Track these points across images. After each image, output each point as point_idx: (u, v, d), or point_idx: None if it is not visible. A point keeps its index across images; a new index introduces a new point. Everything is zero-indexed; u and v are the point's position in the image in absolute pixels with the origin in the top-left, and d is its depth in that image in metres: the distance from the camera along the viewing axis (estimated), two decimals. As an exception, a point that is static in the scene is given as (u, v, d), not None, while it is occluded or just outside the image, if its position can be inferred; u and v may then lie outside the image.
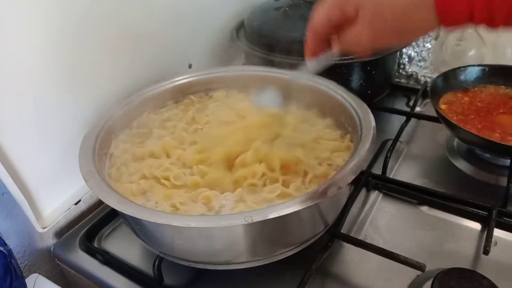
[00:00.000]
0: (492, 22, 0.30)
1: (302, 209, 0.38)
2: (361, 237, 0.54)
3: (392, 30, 0.34)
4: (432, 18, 0.31)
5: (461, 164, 0.65)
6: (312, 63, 0.43)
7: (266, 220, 0.38)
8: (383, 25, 0.34)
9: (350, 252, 0.52)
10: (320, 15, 0.38)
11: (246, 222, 0.37)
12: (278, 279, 0.49)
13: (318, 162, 0.51)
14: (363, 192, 0.61)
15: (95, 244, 0.57)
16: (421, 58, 0.88)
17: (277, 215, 0.38)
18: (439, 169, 0.65)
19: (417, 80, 0.87)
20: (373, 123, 0.49)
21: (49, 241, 0.60)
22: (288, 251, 0.46)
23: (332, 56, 0.41)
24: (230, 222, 0.38)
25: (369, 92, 0.74)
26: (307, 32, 0.40)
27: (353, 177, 0.42)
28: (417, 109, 0.78)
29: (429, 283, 0.45)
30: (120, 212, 0.42)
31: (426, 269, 0.45)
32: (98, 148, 0.51)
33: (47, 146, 0.55)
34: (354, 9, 0.35)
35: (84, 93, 0.58)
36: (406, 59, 0.88)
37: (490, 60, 0.88)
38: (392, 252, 0.47)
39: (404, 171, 0.65)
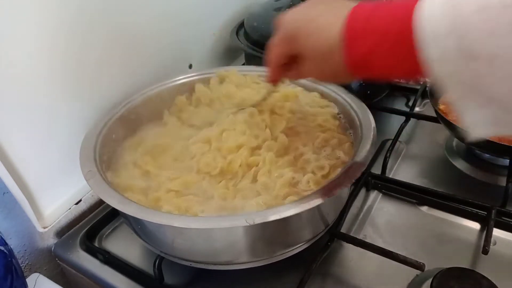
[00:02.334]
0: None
1: (303, 211, 0.38)
2: (360, 236, 0.54)
3: (323, 74, 0.40)
4: (349, 77, 0.37)
5: (460, 164, 0.66)
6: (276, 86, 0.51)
7: (267, 221, 0.38)
8: (316, 70, 0.39)
9: (350, 252, 0.52)
10: (275, 51, 0.43)
11: (248, 224, 0.37)
12: (278, 279, 0.50)
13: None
14: (362, 192, 0.61)
15: (96, 244, 0.57)
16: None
17: (278, 217, 0.38)
18: (438, 169, 0.66)
19: (416, 80, 0.87)
20: (373, 124, 0.49)
21: (50, 240, 0.60)
22: (288, 251, 0.46)
23: (291, 78, 0.51)
24: (231, 223, 0.38)
25: (368, 92, 0.74)
26: (266, 64, 0.45)
27: (354, 180, 0.42)
28: (417, 109, 0.78)
29: (428, 282, 0.45)
30: (121, 212, 0.42)
31: (426, 269, 0.45)
32: (99, 148, 0.51)
33: (47, 146, 0.55)
34: (297, 53, 0.40)
35: (84, 93, 0.58)
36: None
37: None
38: (392, 252, 0.47)
39: (404, 171, 0.65)
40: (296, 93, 0.59)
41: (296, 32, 0.38)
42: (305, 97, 0.59)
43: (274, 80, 0.48)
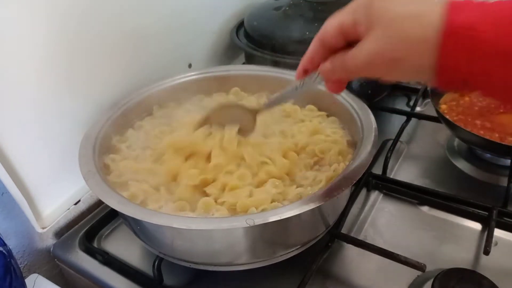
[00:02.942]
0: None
1: (304, 212, 0.38)
2: (361, 237, 0.54)
3: (389, 60, 0.31)
4: (428, 71, 0.30)
5: (462, 164, 0.65)
6: (299, 83, 0.40)
7: (267, 222, 0.37)
8: (384, 51, 0.31)
9: (351, 252, 0.52)
10: (332, 23, 0.35)
11: (248, 225, 0.37)
12: (278, 279, 0.49)
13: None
14: (363, 192, 0.61)
15: (95, 244, 0.57)
16: (421, 58, 0.88)
17: (279, 218, 0.37)
18: (439, 169, 0.65)
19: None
20: (375, 125, 0.49)
21: (49, 241, 0.60)
22: (289, 252, 0.46)
23: (316, 79, 0.38)
24: (231, 224, 0.38)
25: (369, 92, 0.73)
26: (312, 43, 0.36)
27: (355, 180, 0.42)
28: (418, 109, 0.78)
29: (429, 283, 0.45)
30: (120, 212, 0.42)
31: (427, 269, 0.45)
32: (98, 148, 0.50)
33: (47, 146, 0.55)
34: (368, 24, 0.32)
35: (84, 93, 0.57)
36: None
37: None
38: (392, 252, 0.47)
39: (405, 171, 0.65)
40: (320, 129, 0.55)
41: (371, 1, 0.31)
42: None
43: (305, 70, 0.38)
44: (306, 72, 0.38)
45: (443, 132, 0.71)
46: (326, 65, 0.36)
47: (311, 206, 0.38)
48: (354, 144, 0.52)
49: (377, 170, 0.63)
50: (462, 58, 0.28)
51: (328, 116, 0.59)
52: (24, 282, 0.51)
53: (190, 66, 0.76)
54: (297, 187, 0.47)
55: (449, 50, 0.28)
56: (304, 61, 0.38)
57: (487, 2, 0.28)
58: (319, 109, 0.61)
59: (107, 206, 0.43)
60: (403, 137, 0.70)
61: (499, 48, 0.27)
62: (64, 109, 0.55)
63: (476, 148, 0.65)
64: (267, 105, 0.49)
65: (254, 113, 0.50)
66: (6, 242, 0.48)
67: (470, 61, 0.28)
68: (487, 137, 0.57)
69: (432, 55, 0.29)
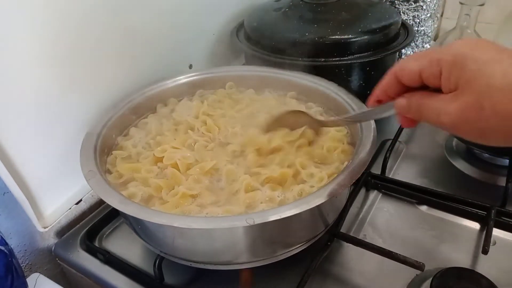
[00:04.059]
0: None
1: (303, 211, 0.38)
2: (360, 236, 0.55)
3: (482, 125, 0.29)
4: None
5: (460, 164, 0.66)
6: (369, 109, 0.38)
7: (267, 222, 0.38)
8: (476, 117, 0.29)
9: (350, 252, 0.52)
10: (412, 66, 0.32)
11: (248, 224, 0.37)
12: (278, 278, 0.50)
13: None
14: (362, 191, 0.62)
15: (96, 244, 0.57)
16: (420, 59, 0.88)
17: (279, 217, 0.38)
18: (438, 169, 0.66)
19: None
20: (373, 125, 0.49)
21: (50, 240, 0.60)
22: (288, 251, 0.46)
23: (391, 110, 0.36)
24: (232, 223, 0.38)
25: (368, 92, 0.73)
26: (386, 75, 0.35)
27: (354, 180, 0.42)
28: (416, 109, 0.78)
29: (428, 282, 0.45)
30: (121, 212, 0.42)
31: (425, 269, 0.45)
32: (100, 148, 0.51)
33: (48, 146, 0.55)
34: (455, 83, 0.29)
35: (85, 92, 0.58)
36: (406, 59, 0.88)
37: (489, 60, 0.89)
38: (391, 252, 0.48)
39: (403, 171, 0.66)
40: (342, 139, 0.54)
41: (464, 56, 0.29)
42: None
43: (378, 100, 0.37)
44: (379, 102, 0.37)
45: (441, 132, 0.72)
46: (402, 102, 0.34)
47: (311, 205, 0.39)
48: (353, 144, 0.53)
49: (376, 170, 0.63)
50: None
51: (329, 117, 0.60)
52: (26, 281, 0.51)
53: (190, 66, 0.76)
54: (298, 184, 0.47)
55: None
56: (377, 91, 0.36)
57: None
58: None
59: (108, 205, 0.43)
60: (402, 137, 0.71)
61: None
62: (65, 109, 0.56)
63: (475, 148, 0.65)
64: (334, 121, 0.49)
65: (320, 124, 0.50)
66: (7, 241, 0.48)
67: None
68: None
69: None
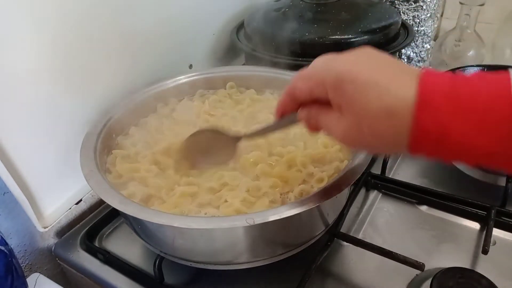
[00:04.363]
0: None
1: (303, 211, 0.38)
2: (360, 236, 0.55)
3: (363, 142, 0.32)
4: (401, 150, 0.31)
5: (460, 164, 0.66)
6: (278, 120, 0.40)
7: (267, 222, 0.38)
8: (357, 136, 0.32)
9: (350, 252, 0.52)
10: (302, 86, 0.35)
11: (248, 224, 0.37)
12: (278, 278, 0.50)
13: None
14: (362, 191, 0.62)
15: (96, 244, 0.57)
16: (420, 59, 0.89)
17: (278, 217, 0.38)
18: (438, 169, 0.66)
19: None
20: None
21: (50, 240, 0.60)
22: (288, 251, 0.46)
23: (293, 121, 0.39)
24: (232, 223, 0.38)
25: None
26: (283, 93, 0.37)
27: (354, 180, 0.42)
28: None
29: (428, 282, 0.45)
30: (121, 212, 0.42)
31: (425, 268, 0.45)
32: (100, 148, 0.51)
33: (48, 146, 0.55)
34: (338, 104, 0.32)
35: (85, 92, 0.58)
36: (405, 60, 0.88)
37: (489, 60, 0.89)
38: (391, 252, 0.48)
39: (403, 171, 0.66)
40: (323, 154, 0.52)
41: (342, 78, 0.31)
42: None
43: (283, 113, 0.39)
44: (282, 114, 0.39)
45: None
46: (302, 115, 0.37)
47: (311, 205, 0.39)
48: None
49: (376, 169, 0.63)
50: (432, 151, 0.30)
51: None
52: (26, 281, 0.51)
53: (190, 66, 0.76)
54: (299, 184, 0.47)
55: (417, 145, 0.30)
56: (279, 106, 0.39)
57: (460, 90, 0.28)
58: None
59: (108, 205, 0.43)
60: (402, 137, 0.70)
61: (466, 145, 0.28)
62: (65, 109, 0.56)
63: (475, 148, 0.65)
64: (248, 135, 0.46)
65: (235, 140, 0.46)
66: (7, 241, 0.48)
67: (438, 152, 0.29)
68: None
69: (402, 145, 0.30)
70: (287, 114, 0.39)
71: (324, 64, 0.33)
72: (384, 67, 0.31)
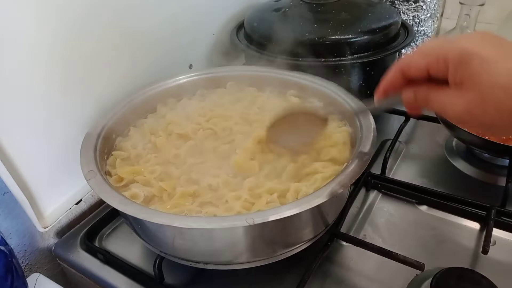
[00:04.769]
0: None
1: (303, 211, 0.38)
2: (360, 236, 0.55)
3: (485, 120, 0.31)
4: None
5: (460, 164, 0.66)
6: (378, 102, 0.39)
7: (267, 221, 0.38)
8: (480, 113, 0.30)
9: (350, 252, 0.52)
10: (418, 61, 0.34)
11: (248, 224, 0.37)
12: (278, 278, 0.50)
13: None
14: (362, 191, 0.62)
15: (96, 244, 0.57)
16: (420, 59, 0.88)
17: (278, 217, 0.38)
18: (438, 169, 0.66)
19: None
20: (373, 125, 0.49)
21: (50, 240, 0.60)
22: (288, 251, 0.46)
23: (399, 101, 0.37)
24: (232, 223, 0.38)
25: (368, 92, 0.74)
26: (391, 70, 0.36)
27: (353, 180, 0.42)
28: (416, 109, 0.78)
29: (428, 282, 0.45)
30: (121, 212, 0.42)
31: (425, 268, 0.45)
32: (100, 148, 0.51)
33: (48, 146, 0.55)
34: (460, 80, 0.31)
35: (86, 92, 0.58)
36: (406, 60, 0.88)
37: (489, 60, 0.89)
38: (391, 251, 0.48)
39: (403, 171, 0.66)
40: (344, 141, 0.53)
41: (469, 53, 0.30)
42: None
43: (386, 92, 0.38)
44: (386, 93, 0.38)
45: (441, 132, 0.72)
46: (409, 95, 0.36)
47: (311, 205, 0.39)
48: (353, 144, 0.53)
49: (376, 170, 0.63)
50: None
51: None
52: (26, 281, 0.51)
53: (191, 67, 0.76)
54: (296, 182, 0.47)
55: None
56: (384, 84, 0.38)
57: None
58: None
59: (108, 205, 0.43)
60: (402, 137, 0.71)
61: None
62: (66, 109, 0.56)
63: (475, 148, 0.65)
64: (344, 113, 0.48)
65: (323, 121, 0.47)
66: (7, 241, 0.48)
67: None
68: (485, 137, 0.58)
69: None
70: (392, 92, 0.37)
71: (446, 42, 0.32)
72: (508, 46, 0.31)
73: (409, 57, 0.35)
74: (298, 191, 0.46)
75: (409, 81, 0.35)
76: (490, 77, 0.29)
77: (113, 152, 0.53)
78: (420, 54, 0.34)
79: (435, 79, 0.33)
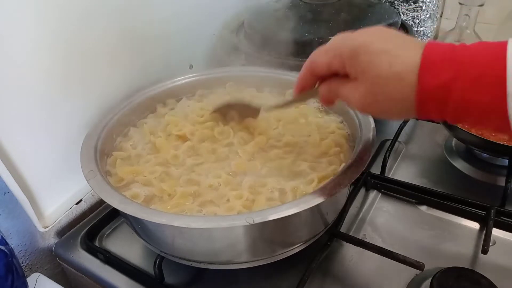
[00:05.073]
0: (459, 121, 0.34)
1: (303, 210, 0.39)
2: (360, 236, 0.55)
3: (377, 108, 0.35)
4: (411, 114, 0.34)
5: (460, 164, 0.66)
6: (297, 95, 0.44)
7: (267, 221, 0.38)
8: (372, 102, 0.35)
9: (349, 251, 0.53)
10: (321, 60, 0.38)
11: (247, 223, 0.37)
12: (278, 278, 0.50)
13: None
14: (362, 191, 0.62)
15: (96, 244, 0.57)
16: (420, 59, 0.88)
17: (278, 217, 0.38)
18: (437, 169, 0.66)
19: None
20: (373, 124, 0.49)
21: (51, 240, 0.60)
22: (288, 251, 0.46)
23: (317, 94, 0.42)
24: (231, 223, 0.38)
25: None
26: (303, 69, 0.41)
27: (353, 180, 0.42)
28: (416, 109, 0.78)
29: (427, 282, 0.45)
30: (122, 211, 0.42)
31: (425, 268, 0.45)
32: (100, 148, 0.51)
33: (48, 146, 0.55)
34: (354, 73, 0.35)
35: (86, 93, 0.58)
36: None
37: (489, 60, 0.89)
38: (391, 251, 0.48)
39: (403, 171, 0.66)
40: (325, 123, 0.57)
41: (357, 49, 0.34)
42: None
43: (303, 88, 0.42)
44: (303, 89, 0.42)
45: (441, 132, 0.72)
46: (324, 90, 0.40)
47: (310, 204, 0.39)
48: (352, 144, 0.53)
49: (376, 169, 0.64)
50: (437, 112, 0.33)
51: (327, 114, 0.60)
52: (26, 281, 0.51)
53: (191, 67, 0.77)
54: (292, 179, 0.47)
55: (423, 106, 0.33)
56: (299, 82, 0.42)
57: (460, 52, 0.31)
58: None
59: (108, 205, 0.43)
60: (402, 137, 0.71)
61: (466, 103, 0.31)
62: (66, 109, 0.56)
63: (474, 148, 0.65)
64: (267, 107, 0.53)
65: (257, 111, 0.54)
66: (8, 241, 0.48)
67: (442, 113, 0.32)
68: (485, 137, 0.58)
69: (411, 108, 0.33)
70: (307, 89, 0.42)
71: (340, 39, 0.36)
72: (394, 38, 0.34)
73: (314, 55, 0.39)
74: (296, 188, 0.46)
75: (320, 77, 0.40)
76: (375, 71, 0.33)
77: (113, 152, 0.53)
78: (320, 53, 0.38)
79: (344, 74, 0.36)
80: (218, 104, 0.57)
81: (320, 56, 0.38)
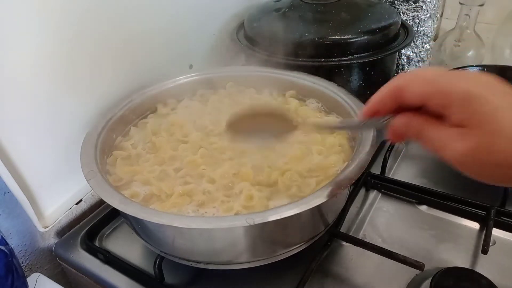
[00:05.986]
0: None
1: (303, 211, 0.39)
2: (360, 236, 0.55)
3: (491, 166, 0.29)
4: None
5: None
6: (362, 120, 0.35)
7: (267, 221, 0.38)
8: (486, 157, 0.28)
9: (349, 251, 0.53)
10: (416, 89, 0.30)
11: (248, 224, 0.37)
12: (278, 278, 0.50)
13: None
14: (362, 191, 0.62)
15: (96, 244, 0.57)
16: (420, 59, 0.89)
17: (278, 217, 0.38)
18: (437, 169, 0.66)
19: None
20: (373, 125, 0.49)
21: (51, 240, 0.60)
22: (288, 251, 0.46)
23: (386, 124, 0.33)
24: (232, 223, 0.38)
25: (368, 92, 0.74)
26: (383, 91, 0.32)
27: (353, 180, 0.42)
28: (416, 109, 0.78)
29: (427, 282, 0.45)
30: (122, 211, 0.42)
31: (425, 268, 0.45)
32: (100, 148, 0.51)
33: (49, 146, 0.55)
34: (464, 121, 0.28)
35: (86, 93, 0.58)
36: (405, 60, 0.88)
37: (489, 60, 0.89)
38: (391, 251, 0.48)
39: (403, 171, 0.66)
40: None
41: (476, 97, 0.28)
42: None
43: (374, 112, 0.34)
44: (375, 114, 0.34)
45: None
46: (400, 124, 0.32)
47: (311, 205, 0.39)
48: (352, 144, 0.53)
49: (376, 170, 0.64)
50: None
51: (327, 114, 0.60)
52: (26, 281, 0.51)
53: (191, 67, 0.76)
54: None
55: None
56: (373, 104, 0.34)
57: None
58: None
59: (108, 205, 0.43)
60: (402, 137, 0.71)
61: None
62: (66, 109, 0.56)
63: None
64: (317, 126, 0.47)
65: (291, 127, 0.43)
66: (8, 241, 0.48)
67: None
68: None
69: None
70: (379, 115, 0.34)
71: (449, 76, 0.30)
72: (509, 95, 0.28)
73: (407, 79, 0.31)
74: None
75: (399, 106, 0.32)
76: (498, 124, 0.27)
77: (113, 152, 0.53)
78: (420, 80, 0.30)
79: (427, 112, 0.30)
80: (238, 113, 0.44)
81: (416, 84, 0.30)
